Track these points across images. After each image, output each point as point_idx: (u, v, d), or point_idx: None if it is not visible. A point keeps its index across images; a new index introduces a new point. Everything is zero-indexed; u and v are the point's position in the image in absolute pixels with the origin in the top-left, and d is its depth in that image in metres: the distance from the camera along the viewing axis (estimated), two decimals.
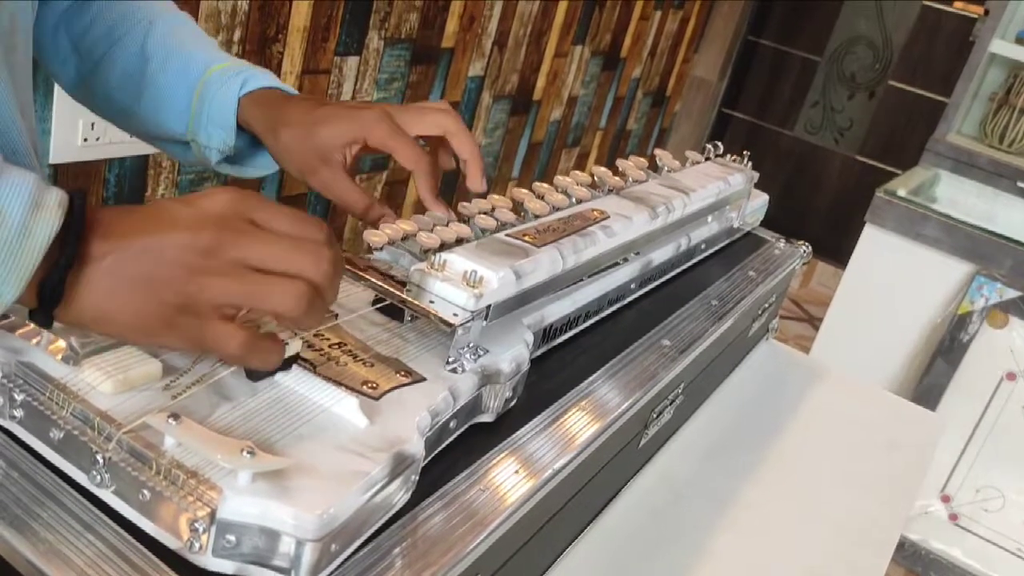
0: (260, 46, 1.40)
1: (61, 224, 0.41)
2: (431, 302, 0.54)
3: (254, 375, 0.48)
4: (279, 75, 1.46)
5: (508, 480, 0.52)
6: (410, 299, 0.55)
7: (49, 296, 0.42)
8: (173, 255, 0.42)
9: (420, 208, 0.69)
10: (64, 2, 0.72)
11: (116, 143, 1.24)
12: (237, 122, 0.70)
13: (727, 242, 1.02)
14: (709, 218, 0.92)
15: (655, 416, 0.74)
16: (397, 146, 0.67)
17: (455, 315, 0.54)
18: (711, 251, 0.97)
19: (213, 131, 0.71)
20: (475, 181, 0.69)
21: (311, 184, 0.68)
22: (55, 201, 0.42)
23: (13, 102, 0.59)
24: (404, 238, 0.63)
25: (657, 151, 0.89)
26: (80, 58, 0.73)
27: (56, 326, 0.46)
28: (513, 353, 0.58)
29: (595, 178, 0.78)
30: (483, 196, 0.69)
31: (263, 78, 0.71)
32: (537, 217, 0.68)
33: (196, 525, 0.39)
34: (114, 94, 0.73)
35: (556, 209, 0.70)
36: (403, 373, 0.52)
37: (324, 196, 0.68)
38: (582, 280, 0.70)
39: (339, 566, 0.43)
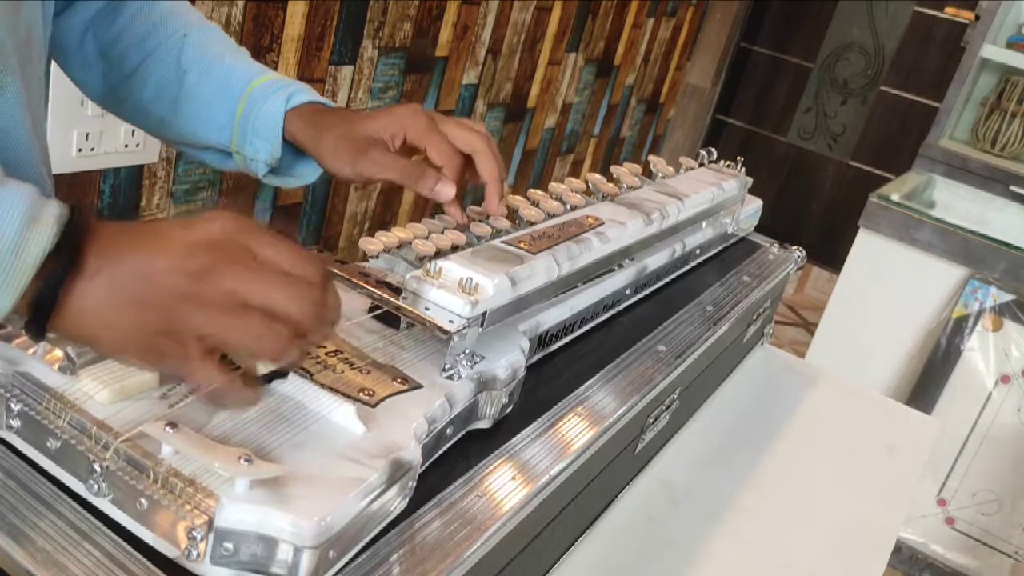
0: (254, 55, 1.40)
1: (56, 240, 0.41)
2: (427, 309, 0.55)
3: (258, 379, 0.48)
4: None
5: (505, 486, 0.52)
6: (406, 306, 0.55)
7: (40, 310, 0.42)
8: (163, 279, 0.42)
9: (416, 216, 0.69)
10: (92, 8, 0.73)
11: (110, 153, 1.24)
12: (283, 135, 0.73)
13: (721, 248, 1.02)
14: (703, 224, 0.92)
15: (651, 422, 0.74)
16: (431, 140, 0.69)
17: (451, 322, 0.54)
18: (706, 257, 0.97)
19: (260, 144, 0.72)
20: (492, 204, 0.70)
21: (363, 170, 0.69)
22: (52, 216, 0.42)
23: (23, 113, 0.59)
24: (400, 245, 0.64)
25: (651, 157, 0.90)
26: (108, 66, 0.74)
27: (53, 336, 0.46)
28: (509, 359, 0.58)
29: (589, 185, 0.79)
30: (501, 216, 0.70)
31: (306, 93, 0.73)
32: (532, 224, 0.69)
33: (194, 533, 0.40)
34: (148, 105, 0.74)
35: (551, 216, 0.71)
36: (399, 380, 0.52)
37: (376, 177, 0.69)
38: (577, 286, 0.70)
39: (337, 573, 0.43)
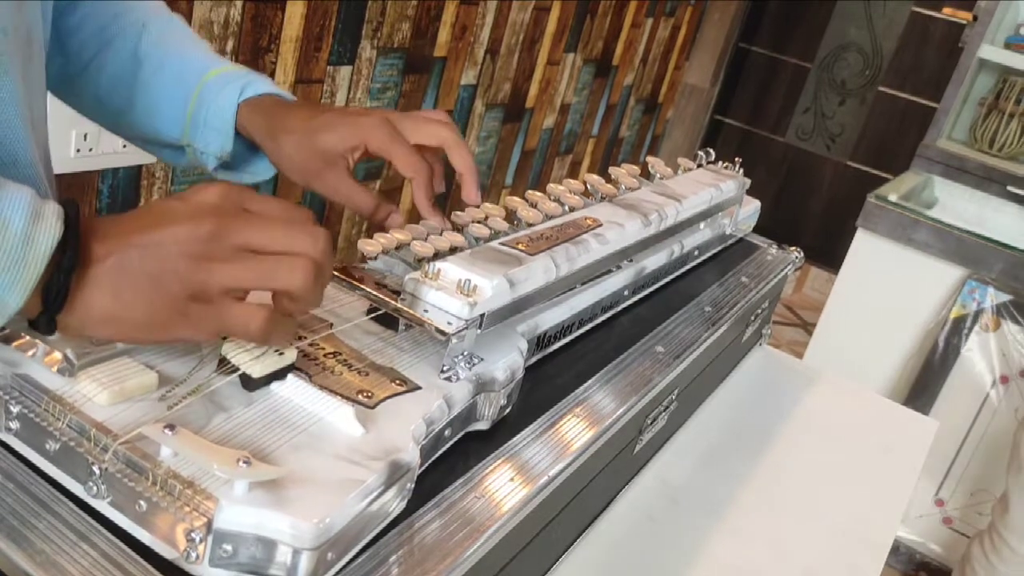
0: (253, 56, 1.41)
1: (61, 231, 0.42)
2: (425, 311, 0.55)
3: (250, 385, 0.48)
4: None
5: (503, 487, 0.52)
6: (404, 308, 0.55)
7: (54, 300, 0.42)
8: (176, 248, 0.43)
9: (415, 217, 0.69)
10: (52, 1, 0.72)
11: (109, 154, 1.24)
12: (235, 128, 0.71)
13: (720, 248, 1.02)
14: (702, 225, 0.92)
15: (649, 422, 0.74)
16: (397, 153, 0.67)
17: (449, 324, 0.54)
18: (704, 257, 0.97)
19: (211, 136, 0.71)
20: (470, 194, 0.69)
21: (316, 188, 0.69)
22: (52, 210, 0.43)
23: (22, 112, 0.59)
24: (398, 247, 0.64)
25: (649, 158, 0.90)
26: (66, 58, 0.72)
27: (53, 338, 0.46)
28: (507, 361, 0.58)
29: (588, 186, 0.79)
30: (477, 207, 0.69)
31: (262, 84, 0.71)
32: (530, 225, 0.69)
33: (193, 535, 0.40)
34: (104, 97, 0.73)
35: (549, 217, 0.71)
36: (398, 382, 0.52)
37: (329, 199, 0.69)
38: (576, 288, 0.70)
39: (336, 574, 0.43)
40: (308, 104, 0.72)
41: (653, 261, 0.83)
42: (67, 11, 0.72)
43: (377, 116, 0.68)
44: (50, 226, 0.42)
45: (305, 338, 0.54)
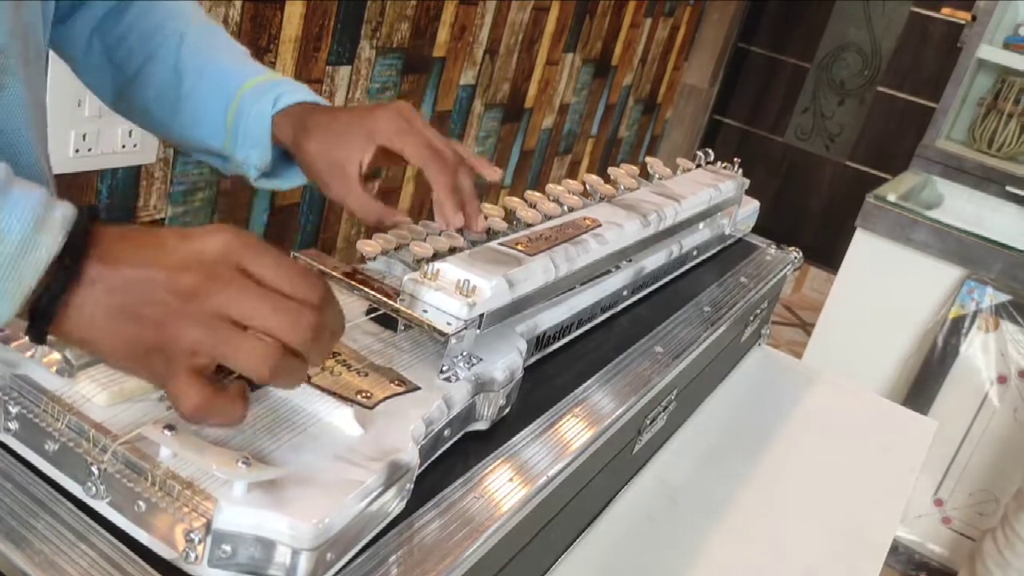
0: (252, 56, 1.41)
1: (62, 245, 0.41)
2: (424, 311, 0.55)
3: (249, 385, 0.48)
4: None
5: (503, 487, 0.52)
6: (403, 308, 0.55)
7: (41, 316, 0.41)
8: (157, 294, 0.41)
9: (414, 218, 0.69)
10: (97, 12, 0.72)
11: (107, 154, 1.24)
12: (272, 138, 0.71)
13: (719, 248, 1.02)
14: (701, 225, 0.92)
15: (648, 422, 0.74)
16: (404, 145, 0.66)
17: (448, 324, 0.54)
18: (703, 258, 0.97)
19: (250, 148, 0.71)
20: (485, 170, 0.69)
21: (330, 196, 0.69)
22: (59, 220, 0.41)
23: (25, 112, 0.59)
24: (397, 248, 0.64)
25: (648, 159, 0.90)
26: (115, 70, 0.73)
27: (51, 338, 0.46)
28: (507, 361, 0.58)
29: (587, 186, 0.79)
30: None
31: (295, 93, 0.71)
32: (529, 226, 0.69)
33: (192, 535, 0.40)
34: (153, 108, 0.74)
35: (548, 218, 0.71)
36: (397, 382, 0.52)
37: (343, 206, 0.69)
38: (575, 288, 0.70)
39: (336, 574, 0.43)
40: (333, 108, 0.72)
41: (652, 261, 0.83)
42: (112, 21, 0.72)
43: (391, 109, 0.68)
44: (51, 237, 0.40)
45: None
